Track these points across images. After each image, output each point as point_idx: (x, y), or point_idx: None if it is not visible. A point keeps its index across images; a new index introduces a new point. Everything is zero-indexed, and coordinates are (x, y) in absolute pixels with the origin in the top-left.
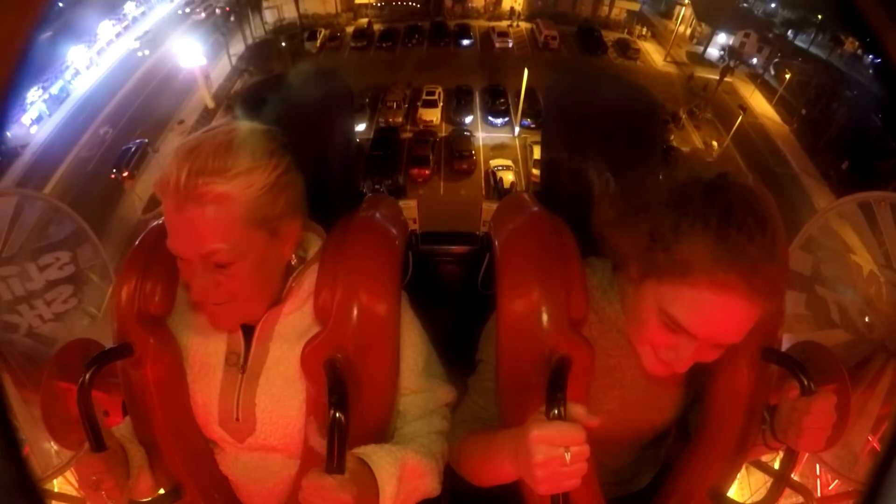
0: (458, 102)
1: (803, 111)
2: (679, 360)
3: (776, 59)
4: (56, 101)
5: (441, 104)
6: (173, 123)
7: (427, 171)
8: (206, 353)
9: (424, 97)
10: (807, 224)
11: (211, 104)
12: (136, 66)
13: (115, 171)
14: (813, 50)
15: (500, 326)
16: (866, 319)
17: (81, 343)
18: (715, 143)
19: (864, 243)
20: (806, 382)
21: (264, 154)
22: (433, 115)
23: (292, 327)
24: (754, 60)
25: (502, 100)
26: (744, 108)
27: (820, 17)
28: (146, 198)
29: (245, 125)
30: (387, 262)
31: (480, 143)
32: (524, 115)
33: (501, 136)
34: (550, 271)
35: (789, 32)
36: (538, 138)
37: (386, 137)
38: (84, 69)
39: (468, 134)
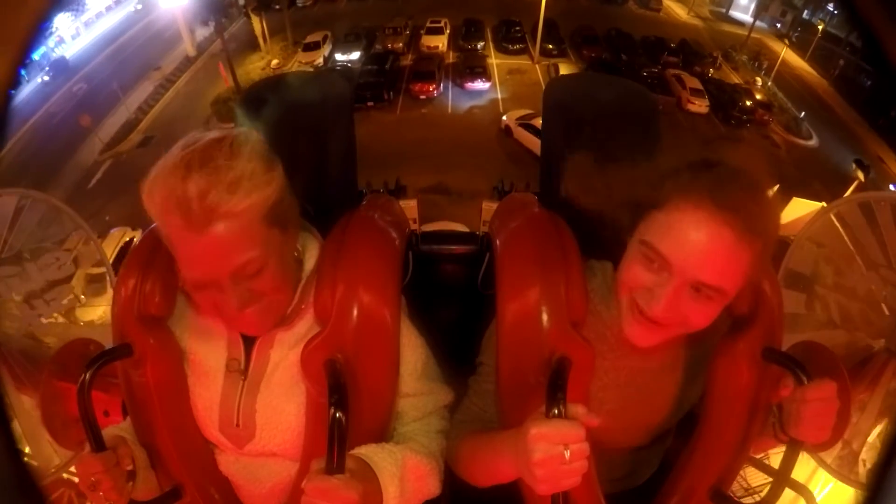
0: (467, 31)
1: (841, 62)
2: (655, 300)
3: (796, 33)
4: (37, 67)
5: (447, 32)
6: (150, 72)
7: (432, 87)
8: (205, 358)
9: (429, 25)
10: (807, 224)
11: (192, 52)
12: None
13: None
14: (831, 30)
15: (499, 326)
16: (866, 319)
17: (81, 343)
18: (759, 80)
19: (864, 243)
20: (805, 382)
21: (268, 153)
22: (438, 42)
23: (293, 332)
24: (778, 25)
25: (517, 27)
26: (789, 38)
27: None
28: (107, 139)
29: (231, 131)
30: (387, 261)
31: (495, 69)
32: (544, 40)
33: (518, 62)
34: (550, 271)
35: (806, 13)
36: (561, 62)
37: (383, 56)
38: (69, 38)
39: (482, 54)
